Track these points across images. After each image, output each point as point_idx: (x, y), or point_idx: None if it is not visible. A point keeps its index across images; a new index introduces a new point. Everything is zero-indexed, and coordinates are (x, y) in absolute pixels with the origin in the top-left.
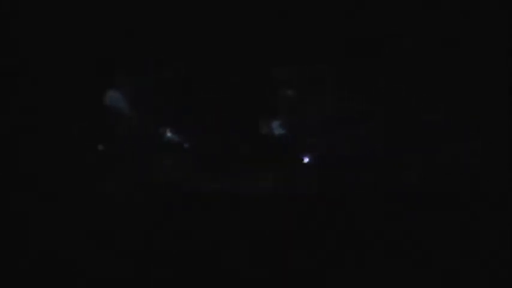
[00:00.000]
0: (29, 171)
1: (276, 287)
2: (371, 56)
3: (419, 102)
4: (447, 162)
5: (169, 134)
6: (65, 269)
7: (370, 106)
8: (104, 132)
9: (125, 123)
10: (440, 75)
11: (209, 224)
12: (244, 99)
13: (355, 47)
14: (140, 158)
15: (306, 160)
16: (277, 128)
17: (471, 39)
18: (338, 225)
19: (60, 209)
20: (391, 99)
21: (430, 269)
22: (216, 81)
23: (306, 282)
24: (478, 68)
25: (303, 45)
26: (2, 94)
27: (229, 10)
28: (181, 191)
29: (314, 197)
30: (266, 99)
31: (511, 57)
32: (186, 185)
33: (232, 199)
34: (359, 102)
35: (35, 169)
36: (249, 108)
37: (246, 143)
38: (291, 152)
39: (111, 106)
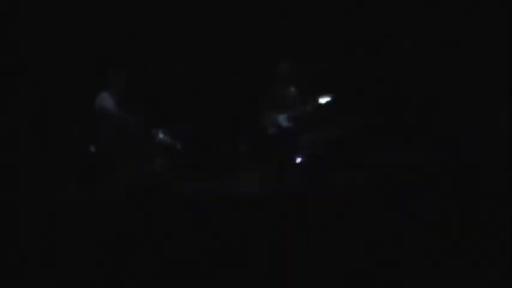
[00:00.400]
0: (25, 171)
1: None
2: (371, 56)
3: (419, 102)
4: (446, 162)
5: (161, 136)
6: (57, 267)
7: (369, 106)
8: (97, 134)
9: (118, 125)
10: (440, 75)
11: (199, 224)
12: (237, 100)
13: (355, 47)
14: (132, 159)
15: (298, 160)
16: (283, 121)
17: (471, 39)
18: (325, 225)
19: (51, 208)
20: (390, 99)
21: (429, 268)
22: (208, 84)
23: (295, 282)
24: (478, 68)
25: (303, 45)
26: (2, 94)
27: (230, 10)
28: (171, 191)
29: (302, 197)
30: (259, 100)
31: (511, 57)
32: (176, 186)
33: (223, 199)
34: (358, 101)
35: (30, 168)
36: (241, 109)
37: (236, 144)
38: (280, 152)
39: (105, 108)
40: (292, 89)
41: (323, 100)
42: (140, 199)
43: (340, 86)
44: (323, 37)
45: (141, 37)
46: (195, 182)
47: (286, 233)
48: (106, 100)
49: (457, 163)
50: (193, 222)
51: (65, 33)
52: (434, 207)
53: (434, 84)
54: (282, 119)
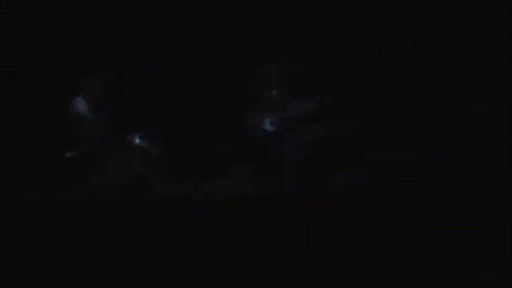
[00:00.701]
0: (24, 171)
1: None
2: (371, 56)
3: (419, 102)
4: (446, 162)
5: (137, 140)
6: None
7: (369, 106)
8: (72, 138)
9: (90, 130)
10: (440, 75)
11: (175, 229)
12: (219, 102)
13: (355, 47)
14: (108, 163)
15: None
16: (267, 125)
17: (471, 39)
18: (325, 225)
19: (27, 213)
20: (390, 99)
21: (429, 268)
22: (191, 85)
23: (295, 282)
24: (478, 68)
25: (303, 45)
26: (2, 94)
27: (231, 10)
28: (148, 195)
29: (302, 197)
30: (243, 102)
31: (511, 57)
32: (153, 189)
33: (201, 202)
34: (357, 101)
35: (30, 168)
36: (221, 111)
37: (215, 146)
38: (264, 155)
39: (78, 112)
40: (276, 91)
41: (310, 103)
42: (113, 202)
43: (339, 86)
44: (323, 37)
45: (141, 37)
46: (173, 186)
47: (286, 233)
48: (79, 105)
49: (457, 163)
50: (167, 226)
51: (65, 33)
52: (434, 207)
53: (434, 84)
54: (267, 123)
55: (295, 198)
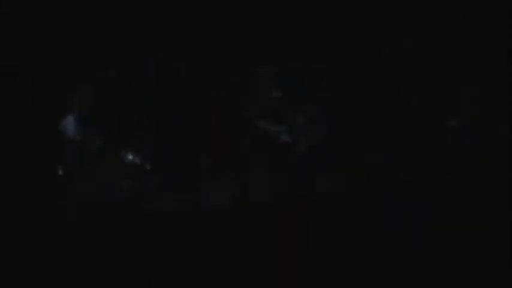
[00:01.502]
0: (24, 171)
1: None
2: (371, 56)
3: (419, 102)
4: (446, 162)
5: (130, 157)
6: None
7: (369, 106)
8: (62, 157)
9: (81, 150)
10: (440, 75)
11: (169, 241)
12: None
13: (355, 47)
14: (100, 179)
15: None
16: (267, 125)
17: (471, 39)
18: (325, 225)
19: (15, 228)
20: (390, 99)
21: (429, 268)
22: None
23: (295, 282)
24: (478, 68)
25: (303, 45)
26: (2, 94)
27: (231, 10)
28: (142, 209)
29: (302, 197)
30: (244, 101)
31: (511, 57)
32: (147, 204)
33: (193, 214)
34: (357, 101)
35: (29, 168)
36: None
37: (215, 146)
38: (263, 154)
39: (67, 133)
40: (276, 91)
41: (310, 103)
42: (108, 219)
43: (339, 86)
44: (323, 37)
45: (141, 37)
46: (171, 193)
47: (286, 233)
48: (69, 124)
49: (457, 163)
50: (153, 240)
51: (65, 33)
52: (434, 207)
53: (434, 84)
54: (267, 123)
55: (294, 198)
